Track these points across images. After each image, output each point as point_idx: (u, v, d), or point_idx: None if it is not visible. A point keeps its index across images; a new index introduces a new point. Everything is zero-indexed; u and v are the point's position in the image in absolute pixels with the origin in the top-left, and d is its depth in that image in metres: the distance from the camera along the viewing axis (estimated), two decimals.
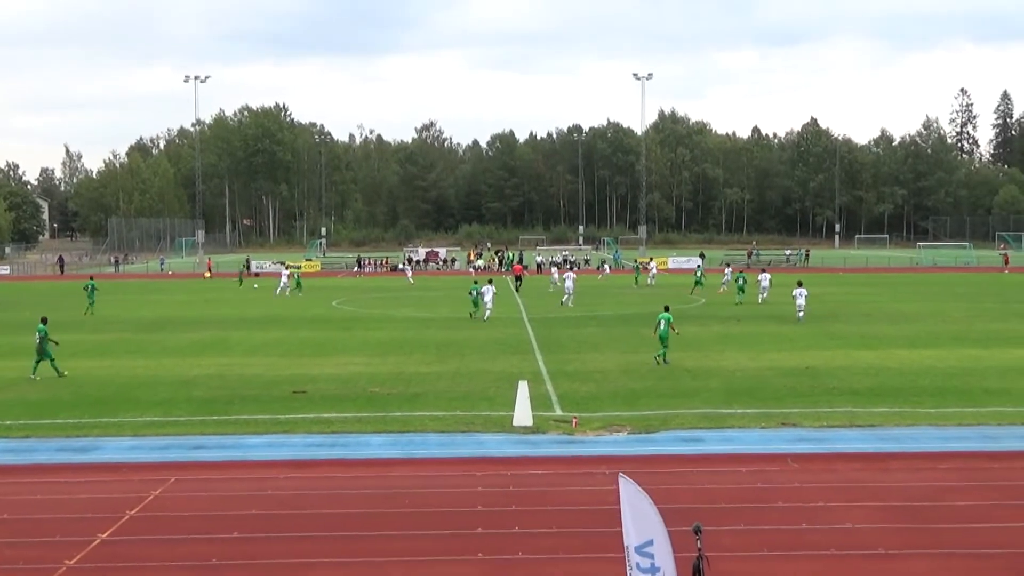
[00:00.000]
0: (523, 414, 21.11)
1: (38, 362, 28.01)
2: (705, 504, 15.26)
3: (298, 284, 62.97)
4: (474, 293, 44.91)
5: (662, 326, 29.58)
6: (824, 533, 14.06)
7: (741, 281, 52.02)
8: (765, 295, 50.77)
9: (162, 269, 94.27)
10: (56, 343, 28.60)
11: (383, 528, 14.49)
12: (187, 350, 33.85)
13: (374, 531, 14.36)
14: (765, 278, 51.88)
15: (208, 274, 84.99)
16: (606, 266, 78.86)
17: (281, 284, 62.09)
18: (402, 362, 30.38)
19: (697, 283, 59.08)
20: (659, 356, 29.48)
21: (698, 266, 70.77)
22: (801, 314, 41.53)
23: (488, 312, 43.35)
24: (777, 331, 37.64)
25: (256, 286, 69.14)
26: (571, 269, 60.18)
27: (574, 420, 21.28)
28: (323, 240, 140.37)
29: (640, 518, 8.21)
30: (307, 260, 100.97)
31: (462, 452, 19.13)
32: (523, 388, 21.45)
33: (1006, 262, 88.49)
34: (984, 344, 33.52)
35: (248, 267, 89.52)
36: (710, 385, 25.72)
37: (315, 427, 21.29)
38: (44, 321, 28.80)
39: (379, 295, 60.31)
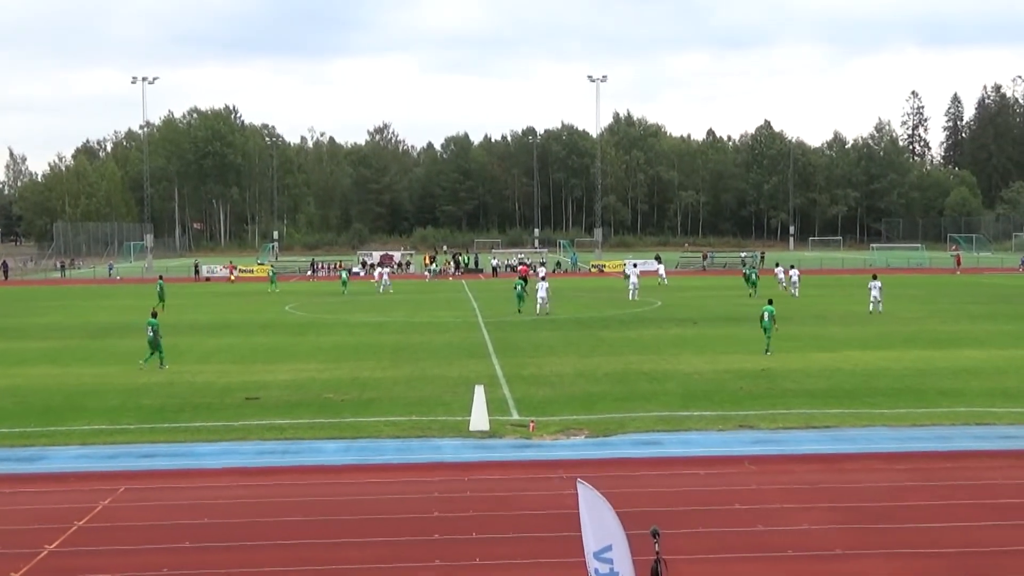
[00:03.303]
0: (480, 418, 21.10)
1: (152, 354, 30.63)
2: (663, 507, 15.35)
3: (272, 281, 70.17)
4: (519, 288, 48.14)
5: (765, 318, 31.75)
6: (781, 535, 14.19)
7: (755, 276, 58.87)
8: (795, 290, 55.44)
9: (110, 274, 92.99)
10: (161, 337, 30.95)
11: (338, 536, 14.40)
12: (136, 357, 33.31)
13: (329, 539, 14.27)
14: (795, 273, 57.31)
15: (232, 278, 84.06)
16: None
17: (384, 282, 66.08)
18: (356, 367, 30.23)
19: (752, 284, 59.28)
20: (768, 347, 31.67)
21: (752, 267, 71.63)
22: (875, 306, 44.51)
23: (542, 306, 46.04)
24: (733, 333, 37.92)
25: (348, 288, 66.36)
26: (635, 265, 63.86)
27: (531, 424, 21.30)
28: (275, 244, 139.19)
29: (598, 524, 8.22)
30: (259, 264, 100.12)
31: (418, 458, 19.08)
32: (479, 392, 21.44)
33: (958, 263, 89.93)
34: (937, 345, 34.03)
35: (198, 271, 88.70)
36: (667, 388, 25.87)
37: (268, 434, 21.12)
38: (154, 315, 31.81)
39: (333, 300, 59.96)
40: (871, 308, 44.64)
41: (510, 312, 47.92)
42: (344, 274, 72.42)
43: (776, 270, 64.16)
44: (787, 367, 29.06)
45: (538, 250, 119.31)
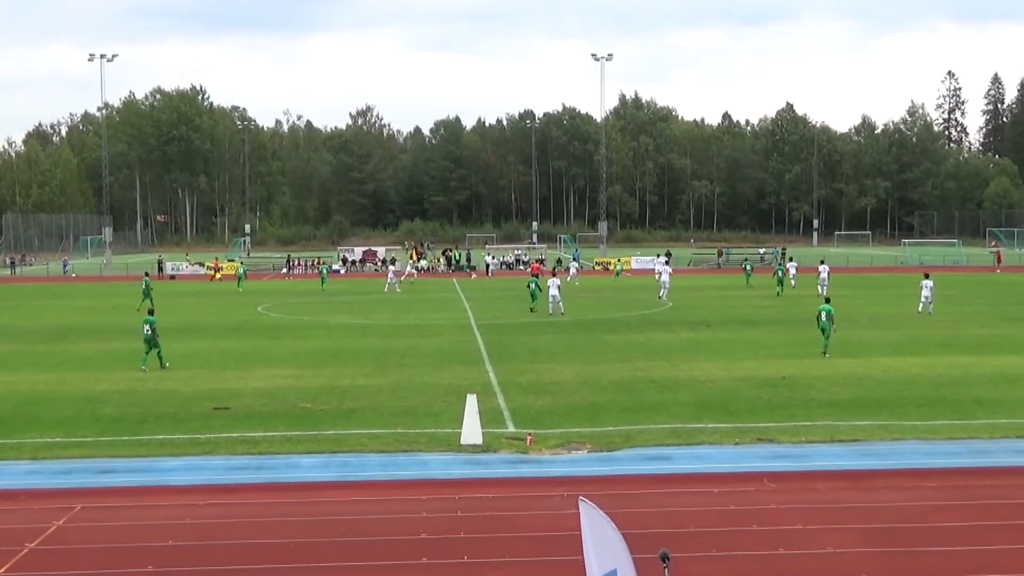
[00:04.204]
0: (472, 431, 21.13)
1: (149, 352, 31.45)
2: (673, 528, 15.39)
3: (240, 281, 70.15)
4: (532, 286, 49.26)
5: (823, 318, 32.56)
6: (802, 558, 14.23)
7: (780, 273, 60.87)
8: (824, 289, 54.65)
9: (65, 271, 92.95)
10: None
11: (316, 560, 14.42)
12: (94, 362, 33.41)
13: (306, 563, 14.29)
14: (824, 270, 57.77)
15: (217, 275, 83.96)
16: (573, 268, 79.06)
17: (389, 280, 67.13)
18: (336, 374, 30.26)
19: (778, 282, 60.31)
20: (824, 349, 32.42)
21: (778, 263, 71.89)
22: (928, 306, 45.63)
23: (555, 304, 46.92)
24: (751, 337, 37.99)
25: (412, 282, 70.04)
26: (666, 262, 65.51)
27: (528, 437, 21.33)
28: (247, 238, 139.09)
29: (602, 546, 8.24)
30: (229, 261, 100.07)
31: (404, 474, 19.11)
32: (472, 402, 21.45)
33: (998, 260, 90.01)
34: (975, 350, 34.11)
35: (161, 268, 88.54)
36: (678, 398, 25.91)
37: (239, 448, 21.13)
38: (151, 312, 33.27)
39: (310, 300, 60.00)
40: (920, 308, 45.62)
41: (506, 314, 48.01)
42: (323, 270, 72.69)
43: (789, 266, 64.26)
44: (810, 374, 29.11)
45: (536, 246, 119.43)
